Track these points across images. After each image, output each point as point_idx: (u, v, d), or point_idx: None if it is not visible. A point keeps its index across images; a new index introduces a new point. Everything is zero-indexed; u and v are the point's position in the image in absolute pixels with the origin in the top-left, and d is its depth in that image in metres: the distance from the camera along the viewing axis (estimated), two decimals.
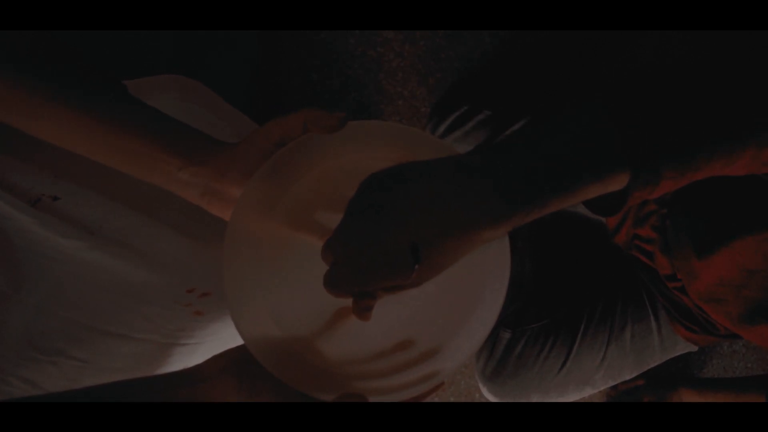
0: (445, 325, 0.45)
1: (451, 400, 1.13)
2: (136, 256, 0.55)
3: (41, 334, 0.52)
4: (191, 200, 0.47)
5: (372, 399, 0.41)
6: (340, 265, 0.38)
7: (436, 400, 1.12)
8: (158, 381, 0.43)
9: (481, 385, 0.92)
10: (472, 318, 0.45)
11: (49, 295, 0.52)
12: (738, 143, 0.34)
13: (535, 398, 0.88)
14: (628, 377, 0.90)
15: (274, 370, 0.42)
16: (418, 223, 0.35)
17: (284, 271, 0.46)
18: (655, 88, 0.36)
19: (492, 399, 0.91)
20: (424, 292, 0.41)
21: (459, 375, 1.13)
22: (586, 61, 1.04)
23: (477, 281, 0.45)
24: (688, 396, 0.98)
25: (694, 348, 0.86)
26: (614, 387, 1.07)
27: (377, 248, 0.36)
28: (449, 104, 0.88)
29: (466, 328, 0.45)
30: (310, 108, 0.44)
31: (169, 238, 0.57)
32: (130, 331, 0.55)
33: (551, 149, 0.35)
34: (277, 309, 0.45)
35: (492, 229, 0.35)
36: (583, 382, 0.88)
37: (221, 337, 0.62)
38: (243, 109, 0.77)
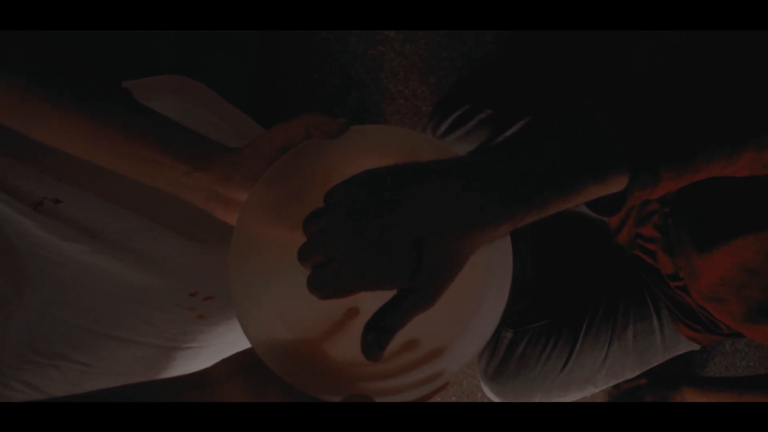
0: (449, 325, 0.45)
1: (454, 399, 1.13)
2: (139, 260, 0.55)
3: (43, 338, 0.52)
4: (196, 204, 0.47)
5: (378, 400, 0.42)
6: (337, 264, 0.37)
7: (438, 399, 1.12)
8: (167, 384, 0.43)
9: (483, 385, 0.92)
10: (476, 318, 0.45)
11: (51, 299, 0.52)
12: (737, 145, 0.34)
13: (537, 398, 0.88)
14: (630, 376, 0.90)
15: (282, 372, 0.42)
16: (421, 223, 0.35)
17: (290, 275, 0.46)
18: (653, 88, 0.36)
19: (494, 398, 0.91)
20: None
21: (461, 375, 1.13)
22: (587, 61, 1.04)
23: (480, 281, 0.45)
24: (691, 395, 0.98)
25: (697, 347, 0.86)
26: (616, 386, 1.07)
27: (381, 245, 0.36)
28: (451, 103, 0.88)
29: (470, 328, 0.45)
30: (313, 113, 0.45)
31: (171, 241, 0.57)
32: (133, 335, 0.55)
33: (551, 150, 0.35)
34: (283, 312, 0.46)
35: (492, 230, 0.35)
36: (586, 381, 0.88)
37: (224, 341, 0.62)
38: (244, 109, 0.77)
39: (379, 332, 0.36)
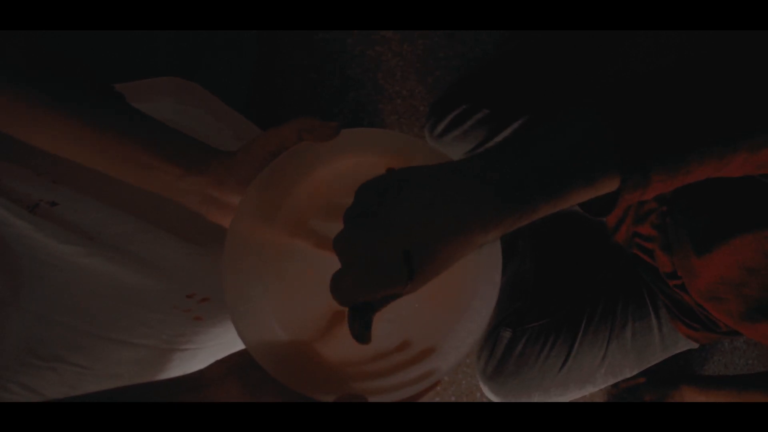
0: (440, 325, 0.46)
1: (453, 399, 1.13)
2: (135, 262, 0.55)
3: (40, 341, 0.52)
4: (191, 208, 0.47)
5: (371, 399, 0.42)
6: (343, 273, 0.38)
7: (437, 399, 1.12)
8: (162, 386, 0.43)
9: (482, 384, 0.92)
10: (466, 318, 0.45)
11: (48, 302, 0.52)
12: (729, 146, 0.34)
13: (536, 397, 0.88)
14: (629, 375, 0.90)
15: (276, 373, 0.42)
16: (409, 230, 0.35)
17: (283, 276, 0.47)
18: (646, 90, 0.36)
19: (493, 398, 0.91)
20: (419, 293, 0.42)
21: (460, 374, 1.13)
22: (586, 61, 1.04)
23: (470, 281, 0.46)
24: (690, 394, 0.98)
25: (695, 345, 0.87)
26: (615, 385, 1.07)
27: (371, 257, 0.36)
28: (448, 103, 0.88)
29: (460, 327, 0.46)
30: (305, 117, 0.45)
31: (168, 243, 0.57)
32: (130, 337, 0.55)
33: (544, 155, 0.35)
34: (277, 313, 0.46)
35: (483, 234, 0.35)
36: (584, 380, 0.88)
37: (221, 342, 0.62)
38: (242, 110, 0.77)
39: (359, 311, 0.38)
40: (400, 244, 0.35)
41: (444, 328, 0.46)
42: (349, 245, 0.37)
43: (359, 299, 0.37)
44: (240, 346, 0.44)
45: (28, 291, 0.51)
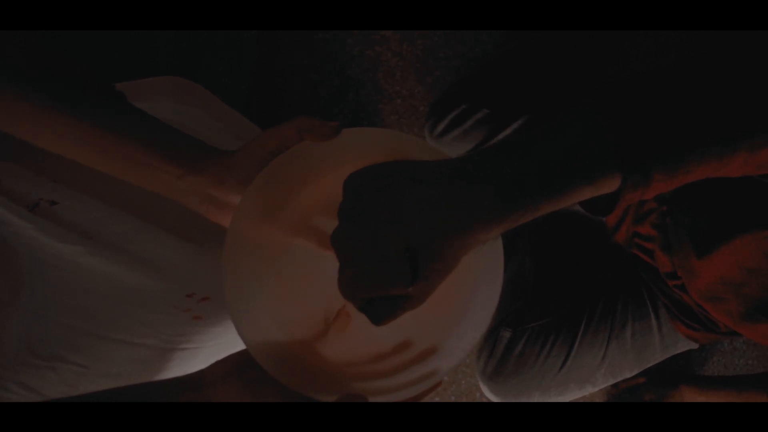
0: (441, 325, 0.46)
1: (452, 399, 1.13)
2: (135, 261, 0.55)
3: (40, 340, 0.52)
4: (191, 207, 0.47)
5: (372, 399, 0.42)
6: (343, 270, 0.37)
7: (437, 399, 1.12)
8: (162, 386, 0.43)
9: (481, 384, 0.92)
10: (467, 318, 0.45)
11: (47, 301, 0.52)
12: (729, 146, 0.34)
13: (535, 397, 0.88)
14: (628, 375, 0.90)
15: (276, 373, 0.42)
16: (412, 227, 0.35)
17: (283, 276, 0.47)
18: (646, 90, 0.36)
19: (493, 398, 0.91)
20: None
21: (460, 374, 1.13)
22: (585, 61, 1.04)
23: (471, 281, 0.46)
24: (690, 394, 0.98)
25: (695, 345, 0.87)
26: (615, 385, 1.07)
27: (373, 254, 0.36)
28: (448, 103, 0.88)
29: (461, 328, 0.46)
30: (305, 117, 0.45)
31: (168, 243, 0.57)
32: (130, 337, 0.55)
33: (545, 154, 0.34)
34: (277, 313, 0.46)
35: (484, 232, 0.35)
36: (584, 380, 0.88)
37: (221, 342, 0.62)
38: (242, 109, 0.77)
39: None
40: (402, 241, 0.35)
41: (445, 329, 0.46)
42: (347, 241, 0.37)
43: (361, 296, 0.37)
44: (241, 345, 0.44)
45: (28, 291, 0.51)
